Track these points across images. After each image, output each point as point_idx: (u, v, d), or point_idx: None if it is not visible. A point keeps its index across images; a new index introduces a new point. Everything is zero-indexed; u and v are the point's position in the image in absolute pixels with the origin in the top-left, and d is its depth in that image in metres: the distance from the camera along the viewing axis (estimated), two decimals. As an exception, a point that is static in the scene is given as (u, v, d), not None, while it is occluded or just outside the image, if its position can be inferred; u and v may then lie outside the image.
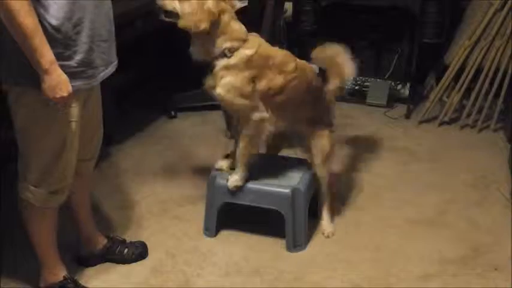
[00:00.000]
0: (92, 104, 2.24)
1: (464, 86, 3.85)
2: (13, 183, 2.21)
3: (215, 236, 2.75)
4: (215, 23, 2.36)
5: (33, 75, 1.92)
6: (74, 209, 2.46)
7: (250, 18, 3.74)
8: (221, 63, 2.42)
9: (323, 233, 2.77)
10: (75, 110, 2.09)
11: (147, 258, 2.59)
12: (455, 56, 3.84)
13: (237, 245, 2.71)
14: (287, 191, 2.60)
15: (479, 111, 3.87)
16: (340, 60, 2.72)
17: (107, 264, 2.54)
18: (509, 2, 3.62)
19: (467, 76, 3.82)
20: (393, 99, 4.23)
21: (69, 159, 2.14)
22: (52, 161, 2.10)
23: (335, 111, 2.82)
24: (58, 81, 1.92)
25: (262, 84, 2.46)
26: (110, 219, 2.84)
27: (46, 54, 1.87)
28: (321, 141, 2.68)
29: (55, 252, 2.33)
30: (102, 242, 2.54)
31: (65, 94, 1.94)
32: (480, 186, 3.22)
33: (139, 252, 2.58)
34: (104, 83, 2.22)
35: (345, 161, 3.45)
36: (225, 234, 2.77)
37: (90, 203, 2.53)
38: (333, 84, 2.75)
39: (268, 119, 2.52)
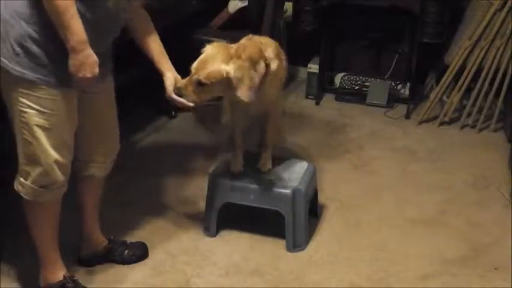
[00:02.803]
0: (99, 107, 2.24)
1: (464, 86, 3.84)
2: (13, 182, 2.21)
3: (215, 236, 2.75)
4: None
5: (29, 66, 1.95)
6: (80, 208, 2.46)
7: (250, 18, 3.74)
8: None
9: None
10: (62, 104, 2.06)
11: (147, 258, 2.59)
12: (455, 56, 3.83)
13: (237, 245, 2.71)
14: (287, 191, 2.60)
15: (479, 111, 3.87)
16: None
17: (107, 264, 2.54)
18: (509, 2, 3.62)
19: (467, 76, 3.81)
20: (393, 99, 4.23)
21: (53, 155, 2.09)
22: (35, 153, 2.08)
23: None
24: (83, 62, 1.94)
25: None
26: (109, 219, 2.83)
27: (76, 33, 1.90)
28: None
29: (55, 250, 2.32)
30: (103, 243, 2.53)
31: (89, 75, 1.96)
32: (480, 186, 3.22)
33: (140, 253, 2.57)
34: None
35: (344, 161, 3.46)
36: (225, 234, 2.77)
37: (97, 206, 2.50)
38: None
39: None
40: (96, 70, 1.98)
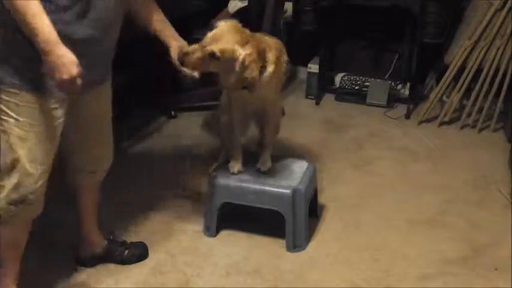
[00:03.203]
0: (93, 111, 2.20)
1: (464, 86, 3.84)
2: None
3: (215, 236, 2.75)
4: None
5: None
6: (78, 210, 2.44)
7: (250, 18, 3.74)
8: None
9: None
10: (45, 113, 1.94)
11: (147, 258, 2.59)
12: (455, 56, 3.83)
13: (237, 245, 2.71)
14: (287, 191, 2.60)
15: (479, 111, 3.87)
16: None
17: (107, 264, 2.53)
18: (509, 2, 3.62)
19: (467, 76, 3.81)
20: (393, 99, 4.23)
21: (28, 168, 1.97)
22: (9, 164, 1.97)
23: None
24: (56, 63, 1.78)
25: None
26: (109, 219, 2.83)
27: (42, 32, 1.74)
28: None
29: (13, 276, 2.16)
30: (102, 244, 2.52)
31: (65, 77, 1.79)
32: (480, 186, 3.22)
33: (139, 253, 2.56)
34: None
35: (343, 161, 3.46)
36: (225, 234, 2.77)
37: (94, 209, 2.48)
38: None
39: None
40: (74, 71, 1.79)
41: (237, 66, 2.29)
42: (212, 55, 2.30)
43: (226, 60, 2.31)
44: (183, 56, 2.30)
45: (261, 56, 2.39)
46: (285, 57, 2.60)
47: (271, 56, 2.45)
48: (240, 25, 2.41)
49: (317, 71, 4.26)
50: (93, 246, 2.50)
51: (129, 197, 3.04)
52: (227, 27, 2.36)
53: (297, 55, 4.48)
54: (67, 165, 2.30)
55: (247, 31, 2.41)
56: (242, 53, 2.29)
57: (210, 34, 2.34)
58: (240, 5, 3.94)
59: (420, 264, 2.59)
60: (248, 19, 3.75)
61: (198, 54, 2.31)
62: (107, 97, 2.28)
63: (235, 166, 2.70)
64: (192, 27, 3.85)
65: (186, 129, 3.83)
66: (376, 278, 2.51)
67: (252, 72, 2.32)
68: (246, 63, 2.29)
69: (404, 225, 2.88)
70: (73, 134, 2.18)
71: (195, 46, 2.33)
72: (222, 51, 2.30)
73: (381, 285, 2.47)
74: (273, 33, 3.50)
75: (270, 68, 2.44)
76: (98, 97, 2.20)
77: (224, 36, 2.33)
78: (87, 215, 2.46)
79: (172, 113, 3.95)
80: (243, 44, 2.31)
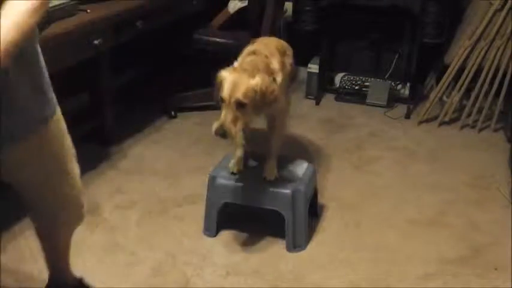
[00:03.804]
0: (13, 181, 1.77)
1: (464, 86, 3.85)
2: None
3: (215, 236, 2.75)
4: None
5: None
6: (44, 248, 2.09)
7: (250, 18, 3.75)
8: None
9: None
10: None
11: (147, 258, 2.59)
12: (455, 56, 3.84)
13: (237, 245, 2.71)
14: (287, 191, 2.60)
15: (479, 111, 3.87)
16: None
17: (107, 264, 2.53)
18: (509, 2, 3.62)
19: (467, 76, 3.82)
20: (393, 99, 4.23)
21: None
22: None
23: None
24: None
25: None
26: (109, 220, 2.84)
27: None
28: None
29: None
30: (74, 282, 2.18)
31: None
32: (480, 186, 3.22)
33: None
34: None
35: (343, 161, 3.46)
36: (225, 234, 2.77)
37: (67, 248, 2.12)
38: None
39: None
40: None
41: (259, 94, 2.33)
42: (240, 105, 2.31)
43: (252, 98, 2.33)
44: (223, 131, 2.29)
45: (268, 69, 2.44)
46: (289, 60, 2.62)
47: (276, 64, 2.51)
48: (232, 65, 2.44)
49: (317, 71, 4.27)
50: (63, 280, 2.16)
51: (128, 196, 3.05)
52: (231, 75, 2.36)
53: (297, 55, 4.49)
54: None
55: (244, 65, 2.43)
56: (256, 82, 2.33)
57: (225, 90, 2.33)
58: (240, 5, 3.95)
59: (420, 264, 2.60)
60: (248, 19, 3.76)
61: (229, 117, 2.30)
62: (40, 156, 1.71)
63: (236, 166, 2.70)
64: (192, 27, 3.86)
65: (186, 129, 3.83)
66: (376, 278, 2.51)
67: (272, 91, 2.37)
68: (264, 87, 2.33)
69: (404, 225, 2.88)
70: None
71: (224, 117, 2.31)
72: (245, 95, 2.31)
73: (381, 285, 2.48)
74: (273, 33, 3.52)
75: (279, 77, 2.51)
76: (20, 161, 1.68)
77: (237, 81, 2.33)
78: (58, 252, 2.10)
79: (172, 113, 3.95)
80: (254, 76, 2.34)
